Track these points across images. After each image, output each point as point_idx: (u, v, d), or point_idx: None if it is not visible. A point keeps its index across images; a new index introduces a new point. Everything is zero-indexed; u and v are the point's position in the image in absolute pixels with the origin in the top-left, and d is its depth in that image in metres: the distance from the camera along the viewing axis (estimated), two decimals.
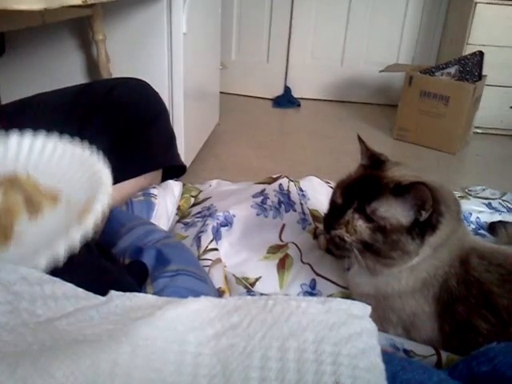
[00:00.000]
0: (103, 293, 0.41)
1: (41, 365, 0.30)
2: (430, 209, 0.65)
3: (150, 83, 1.01)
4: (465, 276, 0.69)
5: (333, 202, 0.74)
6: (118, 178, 0.89)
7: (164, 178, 1.05)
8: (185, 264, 0.70)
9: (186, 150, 1.74)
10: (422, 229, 0.67)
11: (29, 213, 0.52)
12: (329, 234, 0.70)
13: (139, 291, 0.60)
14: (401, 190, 0.66)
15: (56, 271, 0.43)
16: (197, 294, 0.65)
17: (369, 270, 0.70)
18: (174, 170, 1.06)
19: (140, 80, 0.99)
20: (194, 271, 0.70)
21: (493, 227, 1.09)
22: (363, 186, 0.69)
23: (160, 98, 1.00)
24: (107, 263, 0.58)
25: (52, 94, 0.95)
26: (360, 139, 0.76)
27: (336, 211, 0.71)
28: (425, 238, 0.67)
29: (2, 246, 0.48)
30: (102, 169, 0.57)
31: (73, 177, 0.57)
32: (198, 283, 0.68)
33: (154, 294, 0.63)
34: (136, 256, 0.70)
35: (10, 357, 0.30)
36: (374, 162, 0.74)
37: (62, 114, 0.89)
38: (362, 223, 0.67)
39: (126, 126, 0.91)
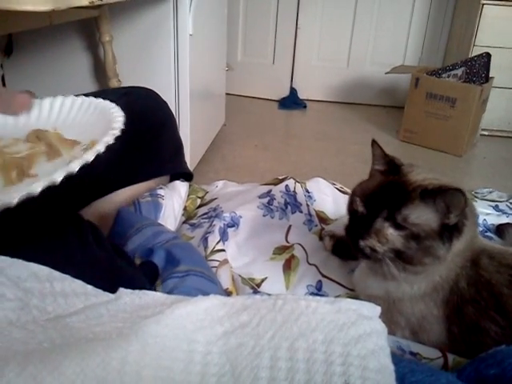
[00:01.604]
0: (116, 289, 0.41)
1: (51, 362, 0.30)
2: (460, 214, 0.64)
3: (156, 84, 1.02)
4: (475, 277, 0.68)
5: (354, 212, 0.71)
6: (127, 182, 0.90)
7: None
8: (194, 264, 0.70)
9: (192, 150, 1.74)
10: (450, 232, 0.65)
11: (48, 157, 0.58)
12: (357, 244, 0.68)
13: (150, 289, 0.60)
14: (429, 195, 0.64)
15: (72, 265, 0.43)
16: (206, 295, 0.66)
17: (394, 277, 0.68)
18: (181, 176, 1.07)
19: (148, 89, 1.00)
20: (203, 271, 0.70)
21: (500, 229, 1.09)
22: (388, 194, 0.67)
23: (168, 106, 1.01)
24: (121, 261, 0.59)
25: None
26: (375, 144, 0.73)
27: (361, 221, 0.68)
28: (453, 241, 0.66)
29: (16, 181, 0.52)
30: (116, 117, 0.62)
31: (93, 129, 0.63)
32: (207, 283, 0.68)
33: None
34: (146, 257, 0.71)
35: (21, 354, 0.30)
36: (390, 168, 0.71)
37: None
38: (394, 231, 0.65)
39: (134, 134, 0.92)
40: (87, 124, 0.65)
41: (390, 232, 0.65)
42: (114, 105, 0.66)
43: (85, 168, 0.72)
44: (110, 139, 0.54)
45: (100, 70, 1.61)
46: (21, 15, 1.02)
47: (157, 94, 1.00)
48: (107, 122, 0.60)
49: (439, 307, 0.70)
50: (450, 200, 0.63)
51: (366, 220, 0.67)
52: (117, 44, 1.53)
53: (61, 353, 0.32)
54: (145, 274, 0.64)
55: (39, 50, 1.62)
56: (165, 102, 1.00)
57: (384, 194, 0.67)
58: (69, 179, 0.54)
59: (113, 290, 0.41)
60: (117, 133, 0.55)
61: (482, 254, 0.70)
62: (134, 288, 0.42)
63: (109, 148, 0.84)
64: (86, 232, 0.57)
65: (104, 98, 0.95)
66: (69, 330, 0.34)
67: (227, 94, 2.41)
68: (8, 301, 0.36)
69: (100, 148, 0.52)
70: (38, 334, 0.34)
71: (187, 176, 1.08)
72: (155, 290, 0.65)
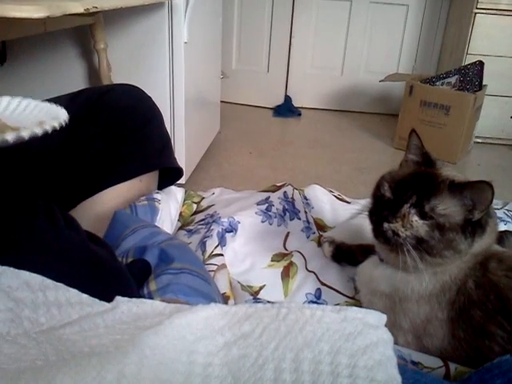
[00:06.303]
0: (89, 274, 0.40)
1: (43, 378, 0.28)
2: (485, 209, 0.65)
3: (151, 92, 1.00)
4: (483, 280, 0.67)
5: (380, 196, 0.72)
6: (112, 181, 0.88)
7: (161, 183, 1.03)
8: (188, 263, 0.68)
9: (187, 158, 1.73)
10: (473, 228, 0.66)
11: None
12: (380, 227, 0.69)
13: (129, 278, 0.57)
14: (457, 188, 0.66)
15: (43, 248, 0.42)
16: (201, 294, 0.64)
17: (413, 265, 0.67)
18: (170, 174, 1.04)
19: (132, 85, 0.98)
20: (197, 271, 0.68)
21: (499, 236, 1.08)
22: (419, 183, 0.68)
23: (153, 101, 0.99)
24: (96, 247, 0.56)
25: (50, 100, 0.96)
26: (415, 133, 0.75)
27: (387, 205, 0.70)
28: (475, 238, 0.66)
29: None
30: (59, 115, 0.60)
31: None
32: (201, 283, 0.66)
33: (158, 290, 0.61)
34: (139, 255, 0.69)
35: (12, 373, 0.28)
36: (425, 159, 0.74)
37: None
38: (419, 219, 0.66)
39: (118, 128, 0.91)
40: (29, 121, 0.62)
41: (416, 219, 0.66)
42: (60, 107, 0.64)
43: (67, 161, 0.69)
44: (38, 130, 0.49)
45: (95, 77, 1.60)
46: (15, 22, 1.00)
47: (140, 89, 0.98)
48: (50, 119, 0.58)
49: (444, 309, 0.69)
50: (477, 193, 0.64)
51: (392, 205, 0.69)
52: (111, 51, 1.52)
53: (55, 367, 0.30)
54: (136, 271, 0.62)
55: (33, 57, 1.61)
56: (149, 97, 0.98)
57: (414, 182, 0.69)
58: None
59: (86, 274, 0.41)
60: (49, 127, 0.51)
61: (491, 258, 0.69)
62: (110, 273, 0.40)
63: (93, 144, 0.82)
64: (57, 217, 0.54)
65: (87, 94, 0.94)
66: (63, 344, 0.32)
67: (222, 101, 2.40)
68: None
69: (24, 134, 0.47)
70: (31, 348, 0.31)
71: (177, 172, 1.06)
72: (148, 285, 0.63)
